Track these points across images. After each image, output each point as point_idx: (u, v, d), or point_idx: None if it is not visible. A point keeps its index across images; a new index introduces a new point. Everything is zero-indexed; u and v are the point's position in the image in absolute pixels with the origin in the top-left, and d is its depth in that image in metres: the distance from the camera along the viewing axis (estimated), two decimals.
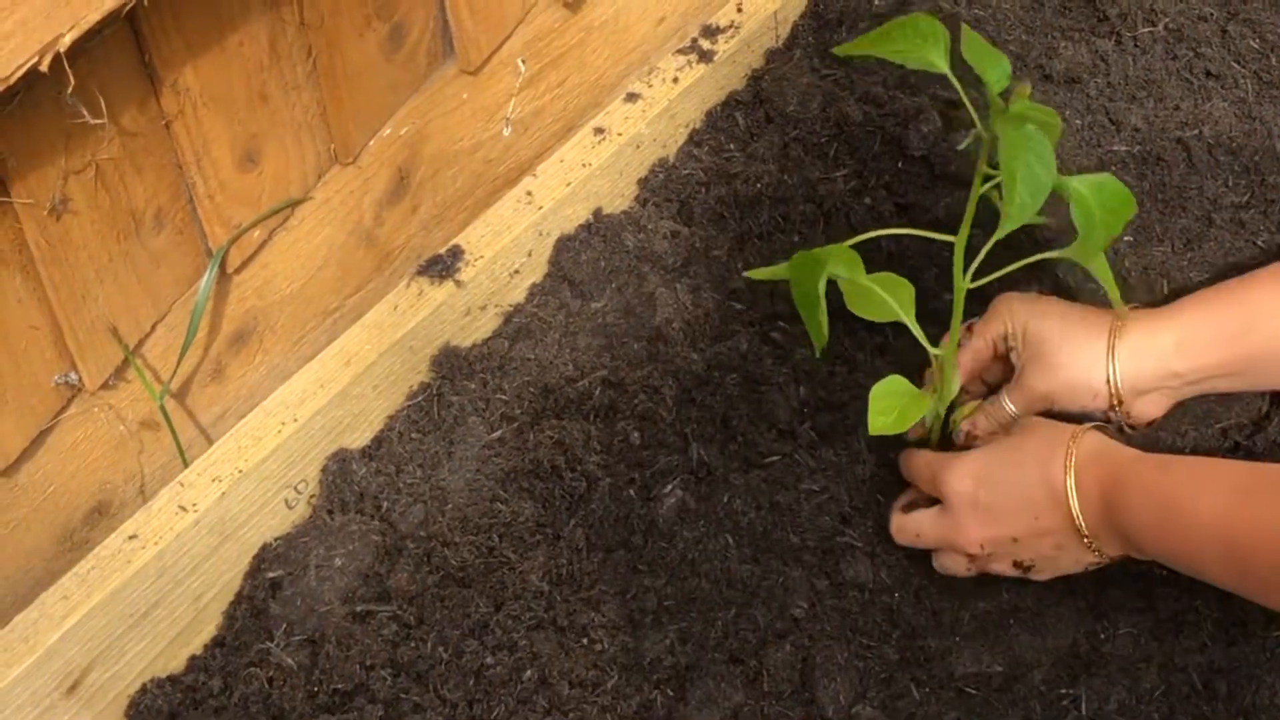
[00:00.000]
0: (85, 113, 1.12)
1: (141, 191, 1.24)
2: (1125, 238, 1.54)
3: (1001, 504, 1.29)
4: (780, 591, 1.35)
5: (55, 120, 1.12)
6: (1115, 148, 1.60)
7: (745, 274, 1.42)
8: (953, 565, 1.35)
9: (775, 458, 1.42)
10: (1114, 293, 1.32)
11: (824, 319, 1.26)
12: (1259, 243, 1.53)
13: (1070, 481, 1.26)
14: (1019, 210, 1.14)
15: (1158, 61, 1.66)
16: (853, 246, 1.29)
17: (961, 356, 1.40)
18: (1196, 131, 1.60)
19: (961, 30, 1.23)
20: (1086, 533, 1.26)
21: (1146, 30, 1.68)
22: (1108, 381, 1.35)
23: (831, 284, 1.29)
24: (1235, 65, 1.66)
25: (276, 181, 1.36)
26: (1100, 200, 1.20)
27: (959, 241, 1.28)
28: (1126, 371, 1.35)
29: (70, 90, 1.06)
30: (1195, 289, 1.44)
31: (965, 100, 1.21)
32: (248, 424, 1.38)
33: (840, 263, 1.29)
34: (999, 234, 1.16)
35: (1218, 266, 1.52)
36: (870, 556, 1.37)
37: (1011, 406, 1.39)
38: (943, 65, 1.20)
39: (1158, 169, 1.57)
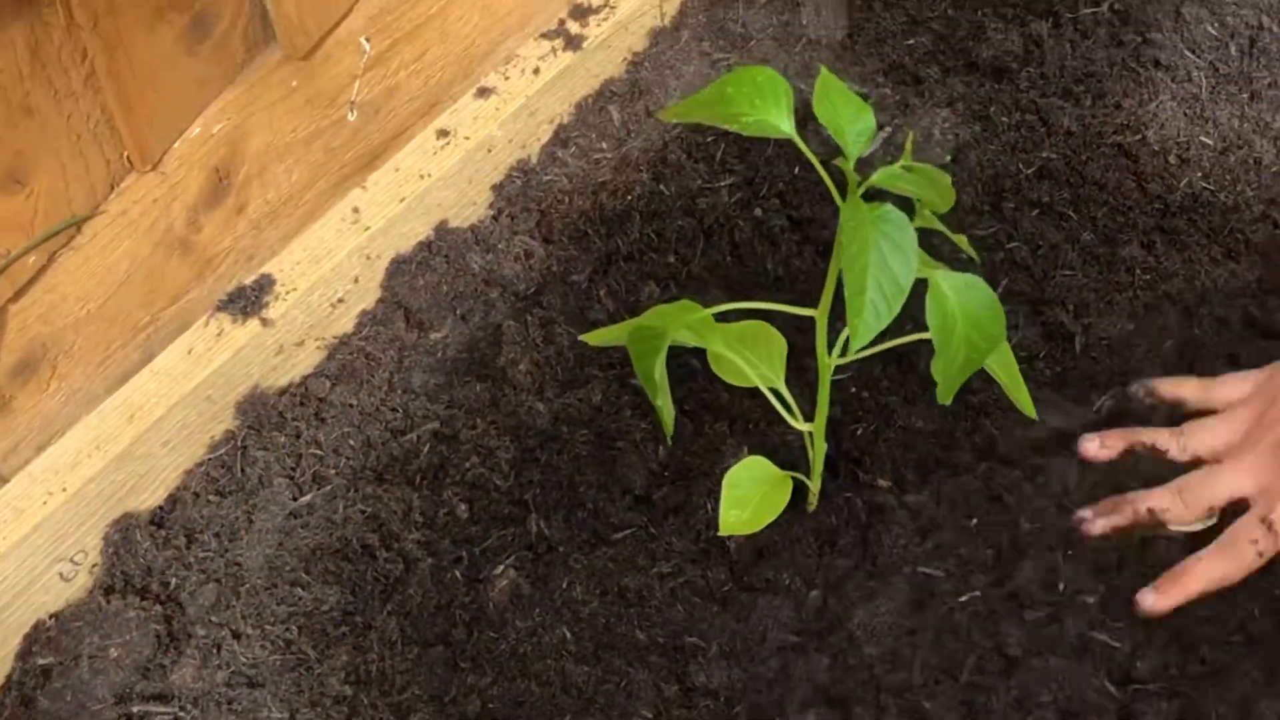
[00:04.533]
0: None
1: None
2: None
3: None
4: (622, 697, 1.16)
5: None
6: (1044, 154, 1.39)
7: (581, 338, 1.23)
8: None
9: (626, 531, 1.23)
10: (1025, 401, 1.14)
11: (668, 406, 1.08)
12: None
13: None
14: (870, 320, 0.95)
15: (1100, 49, 1.45)
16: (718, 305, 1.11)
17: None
18: (1140, 136, 1.39)
19: (819, 77, 1.02)
20: None
21: (1089, 11, 1.47)
22: None
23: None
24: (1189, 55, 1.45)
25: (53, 200, 1.19)
26: (965, 308, 1.00)
27: (820, 316, 1.09)
28: None
29: None
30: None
31: (819, 168, 1.01)
32: (7, 494, 1.20)
33: (686, 330, 1.10)
34: (852, 347, 0.98)
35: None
36: (727, 658, 1.19)
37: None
38: (786, 128, 1.00)
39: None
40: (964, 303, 1.01)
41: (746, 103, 0.98)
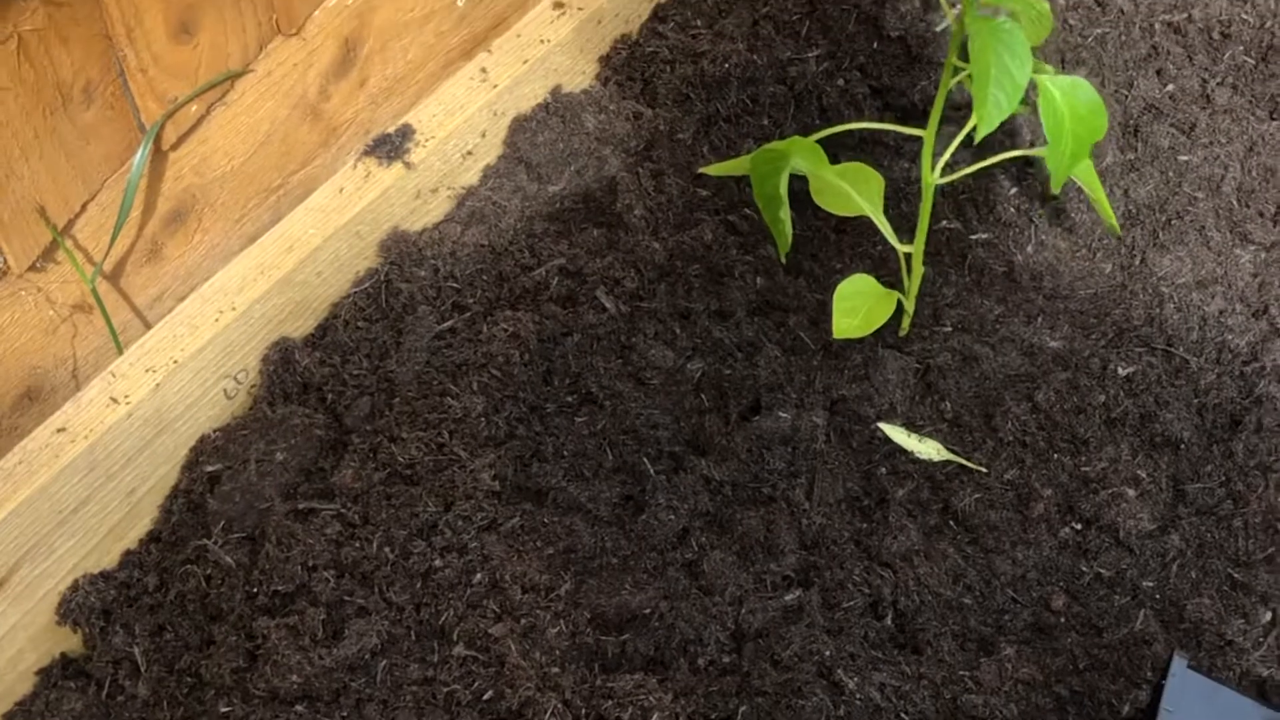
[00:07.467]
0: None
1: (68, 64, 1.17)
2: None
3: None
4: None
5: None
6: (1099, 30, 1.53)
7: (701, 170, 1.35)
8: None
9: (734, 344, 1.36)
10: (1106, 209, 1.26)
11: (788, 220, 1.21)
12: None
13: None
14: (993, 111, 1.08)
15: None
16: (820, 139, 1.23)
17: None
18: (1186, 15, 1.53)
19: None
20: None
21: None
22: None
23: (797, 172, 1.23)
24: None
25: (214, 53, 1.29)
26: (1071, 106, 1.13)
27: (928, 135, 1.22)
28: None
29: None
30: None
31: None
32: (184, 311, 1.31)
33: (803, 157, 1.22)
34: (978, 135, 1.10)
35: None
36: None
37: None
38: None
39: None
40: (1070, 103, 1.14)
41: None
